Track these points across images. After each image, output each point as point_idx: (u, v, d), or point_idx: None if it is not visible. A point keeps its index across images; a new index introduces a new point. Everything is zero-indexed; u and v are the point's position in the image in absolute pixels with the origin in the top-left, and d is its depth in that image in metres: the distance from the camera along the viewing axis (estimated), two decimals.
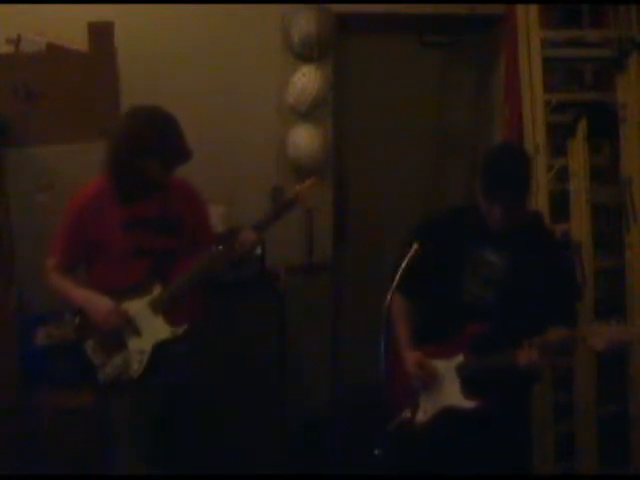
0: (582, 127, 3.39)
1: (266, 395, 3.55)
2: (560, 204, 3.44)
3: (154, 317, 2.68)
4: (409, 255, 2.33)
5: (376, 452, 2.40)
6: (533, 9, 3.47)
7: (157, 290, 2.69)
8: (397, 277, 2.30)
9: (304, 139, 3.78)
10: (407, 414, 2.56)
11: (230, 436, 3.45)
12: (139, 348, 2.67)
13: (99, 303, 2.65)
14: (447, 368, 2.52)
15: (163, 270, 2.70)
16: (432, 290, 2.58)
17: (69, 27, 3.29)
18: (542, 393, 3.37)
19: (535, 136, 3.43)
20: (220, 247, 2.71)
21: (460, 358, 2.51)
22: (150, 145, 2.57)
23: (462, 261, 2.53)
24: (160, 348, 2.69)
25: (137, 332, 2.68)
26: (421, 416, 2.55)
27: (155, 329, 2.68)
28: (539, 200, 3.42)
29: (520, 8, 3.50)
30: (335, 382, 4.16)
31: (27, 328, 3.19)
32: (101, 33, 3.24)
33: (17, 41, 3.20)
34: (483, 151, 2.59)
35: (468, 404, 2.47)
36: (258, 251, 3.47)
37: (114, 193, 2.65)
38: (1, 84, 3.11)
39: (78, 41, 3.25)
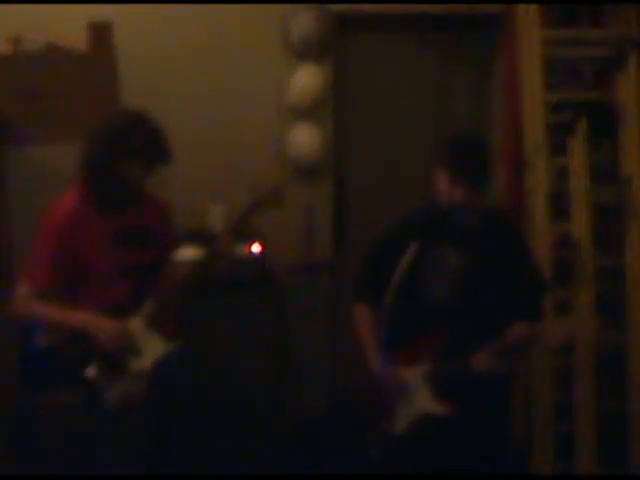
0: (582, 127, 3.38)
1: (266, 395, 3.55)
2: (560, 204, 3.44)
3: (150, 334, 2.58)
4: (406, 256, 2.33)
5: (373, 453, 2.40)
6: (533, 9, 3.46)
7: (149, 306, 2.58)
8: (397, 279, 2.30)
9: (304, 139, 3.79)
10: (385, 425, 2.52)
11: (229, 436, 3.45)
12: (140, 369, 2.56)
13: (104, 324, 2.50)
14: (415, 375, 2.49)
15: (150, 284, 2.61)
16: (397, 294, 2.54)
17: (69, 27, 3.30)
18: (542, 393, 3.38)
19: (535, 135, 3.43)
20: (203, 254, 2.66)
21: (426, 364, 2.48)
22: (134, 145, 2.47)
23: (427, 263, 2.49)
24: (157, 364, 2.60)
25: (138, 352, 2.56)
26: (399, 425, 2.51)
27: (153, 346, 2.58)
28: (539, 199, 3.42)
29: (520, 8, 3.50)
30: (335, 382, 4.16)
31: (27, 328, 3.19)
32: (101, 33, 3.25)
33: (17, 41, 3.20)
34: (442, 139, 2.61)
35: (438, 409, 2.44)
36: (256, 250, 3.46)
37: (93, 203, 2.52)
38: (1, 84, 3.12)
39: (78, 41, 3.25)
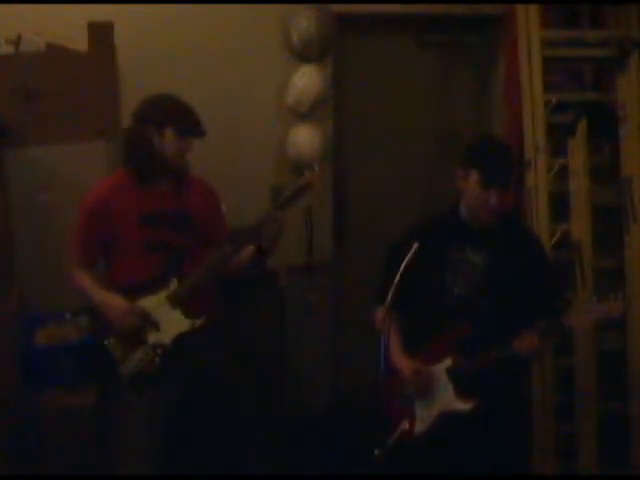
0: (582, 127, 3.38)
1: (266, 394, 3.55)
2: (560, 204, 3.44)
3: (172, 311, 2.72)
4: (408, 258, 2.34)
5: (376, 452, 2.40)
6: (533, 9, 3.47)
7: (174, 284, 2.72)
8: (397, 280, 2.31)
9: (304, 139, 3.78)
10: (405, 426, 2.54)
11: (230, 435, 3.44)
12: (159, 342, 2.71)
13: (113, 304, 2.69)
14: (438, 372, 2.51)
15: (177, 265, 2.74)
16: (418, 296, 2.58)
17: (69, 27, 3.29)
18: (542, 393, 3.38)
19: (535, 136, 3.43)
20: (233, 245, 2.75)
21: (449, 361, 2.50)
22: (163, 112, 2.68)
23: (445, 264, 2.53)
24: (180, 341, 2.73)
25: (156, 326, 2.71)
26: (419, 426, 2.54)
27: (174, 322, 2.72)
28: (539, 200, 3.42)
29: (520, 8, 3.50)
30: (335, 382, 4.16)
31: (27, 328, 3.19)
32: (101, 33, 3.24)
33: (17, 41, 3.20)
34: (466, 144, 2.61)
35: (463, 406, 2.46)
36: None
37: (131, 179, 2.70)
38: (1, 84, 3.11)
39: (78, 41, 3.25)
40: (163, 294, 2.73)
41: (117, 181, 2.75)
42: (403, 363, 2.56)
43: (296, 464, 3.59)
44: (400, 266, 2.31)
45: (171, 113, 2.70)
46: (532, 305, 2.44)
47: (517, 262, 2.46)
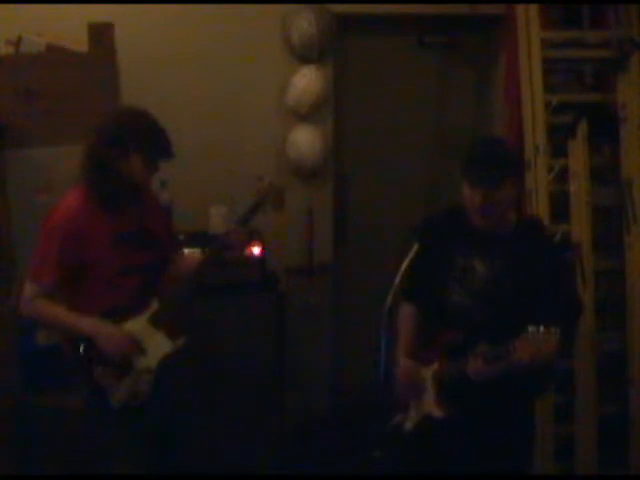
0: (582, 128, 3.38)
1: (265, 395, 3.55)
2: (560, 205, 3.44)
3: (156, 333, 2.62)
4: (409, 257, 2.33)
5: (376, 453, 2.40)
6: (533, 9, 3.46)
7: (155, 305, 2.62)
8: (397, 280, 2.30)
9: (304, 139, 3.78)
10: (399, 418, 2.55)
11: (230, 436, 3.45)
12: (146, 367, 2.60)
13: (108, 332, 2.52)
14: (425, 375, 2.49)
15: (152, 284, 2.64)
16: (425, 294, 2.56)
17: (69, 27, 3.29)
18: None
19: (535, 137, 3.42)
20: (206, 251, 2.73)
21: (435, 365, 2.47)
22: (131, 137, 2.48)
23: (451, 266, 2.48)
24: (163, 363, 2.65)
25: (143, 351, 2.59)
26: (408, 424, 2.53)
27: (158, 345, 2.62)
28: (539, 201, 3.41)
29: (520, 8, 3.50)
30: (335, 382, 4.16)
31: (27, 328, 3.18)
32: (101, 33, 3.23)
33: (17, 42, 3.19)
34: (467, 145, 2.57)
35: (438, 413, 2.43)
36: (257, 251, 3.48)
37: (97, 203, 2.52)
38: (1, 85, 3.11)
39: (78, 41, 3.25)
40: (145, 316, 2.61)
41: (84, 202, 2.53)
42: (400, 360, 2.54)
43: (296, 466, 3.60)
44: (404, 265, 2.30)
45: (139, 138, 2.49)
46: (530, 322, 2.28)
47: (523, 279, 2.36)
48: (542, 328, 2.13)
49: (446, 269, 2.49)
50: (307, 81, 3.71)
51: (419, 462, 2.56)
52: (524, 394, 2.46)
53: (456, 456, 2.45)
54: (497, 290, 2.40)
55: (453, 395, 2.42)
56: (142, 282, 2.61)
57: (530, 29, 3.45)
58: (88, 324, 2.51)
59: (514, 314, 2.31)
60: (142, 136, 2.49)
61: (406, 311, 2.62)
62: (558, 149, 3.46)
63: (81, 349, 2.54)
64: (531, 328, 2.14)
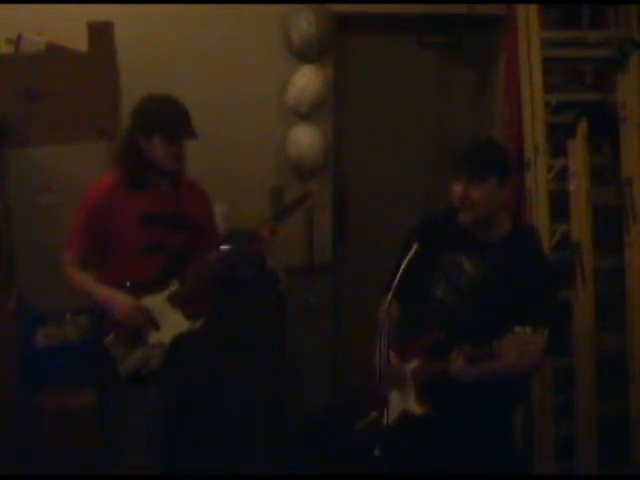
0: (582, 127, 3.38)
1: (266, 395, 3.55)
2: (560, 204, 3.44)
3: (173, 311, 2.74)
4: (409, 257, 2.33)
5: (376, 452, 2.40)
6: (533, 9, 3.46)
7: (175, 285, 2.74)
8: (397, 280, 2.30)
9: (304, 139, 3.79)
10: (374, 414, 2.54)
11: (229, 435, 3.45)
12: (159, 341, 2.72)
13: (121, 301, 2.68)
14: (406, 372, 2.50)
15: (177, 266, 2.76)
16: (412, 291, 2.54)
17: (69, 27, 3.29)
18: (542, 393, 3.38)
19: (535, 136, 3.43)
20: (232, 245, 2.80)
21: (415, 363, 2.47)
22: (150, 119, 2.66)
23: (440, 265, 2.50)
24: (178, 341, 2.75)
25: (156, 326, 2.72)
26: (385, 418, 2.49)
27: (174, 323, 2.73)
28: (539, 200, 3.42)
29: (520, 8, 3.50)
30: (335, 382, 4.16)
31: (27, 328, 3.18)
32: (101, 33, 3.23)
33: (17, 41, 3.19)
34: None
35: (417, 410, 2.44)
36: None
37: (125, 182, 2.71)
38: (1, 84, 3.11)
39: (78, 41, 3.25)
40: (164, 294, 2.74)
41: (117, 181, 2.74)
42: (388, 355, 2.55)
43: (296, 465, 3.60)
44: (400, 263, 2.31)
45: (157, 119, 2.67)
46: (513, 322, 2.26)
47: (510, 284, 2.36)
48: (528, 329, 2.13)
49: (435, 266, 2.50)
50: (307, 80, 3.72)
51: (395, 458, 2.54)
52: (502, 399, 2.45)
53: (433, 454, 2.46)
54: (483, 290, 2.41)
55: (432, 393, 2.43)
56: (167, 262, 2.74)
57: (530, 29, 3.46)
58: (105, 293, 2.70)
59: (497, 315, 2.30)
60: (160, 117, 2.67)
61: (393, 307, 2.62)
62: (558, 149, 3.46)
63: (92, 317, 2.78)
64: (518, 328, 2.14)
